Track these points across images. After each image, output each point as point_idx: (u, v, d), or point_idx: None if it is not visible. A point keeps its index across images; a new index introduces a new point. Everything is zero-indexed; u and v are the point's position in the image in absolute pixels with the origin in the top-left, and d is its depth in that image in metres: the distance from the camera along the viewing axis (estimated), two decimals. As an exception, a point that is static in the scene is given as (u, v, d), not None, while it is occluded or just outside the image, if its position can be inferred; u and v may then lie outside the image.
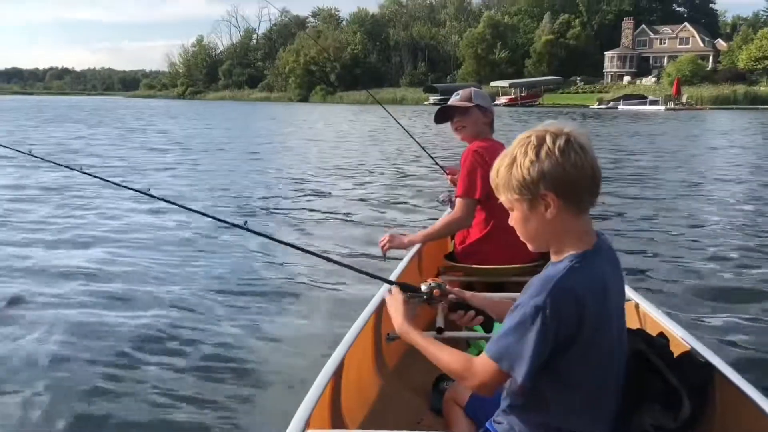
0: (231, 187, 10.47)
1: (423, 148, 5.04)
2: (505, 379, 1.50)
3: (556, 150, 1.42)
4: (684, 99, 53.91)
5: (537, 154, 1.43)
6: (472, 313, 1.89)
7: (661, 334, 1.97)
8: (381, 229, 7.01)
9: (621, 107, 54.20)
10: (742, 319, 4.16)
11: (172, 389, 3.32)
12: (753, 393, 1.75)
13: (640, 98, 56.65)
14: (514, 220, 1.55)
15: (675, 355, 1.89)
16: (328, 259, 2.31)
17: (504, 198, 1.53)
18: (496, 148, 3.05)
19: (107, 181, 2.91)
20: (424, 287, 1.90)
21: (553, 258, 1.54)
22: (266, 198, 9.52)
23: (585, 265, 1.45)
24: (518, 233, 1.57)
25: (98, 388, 3.33)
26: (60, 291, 4.96)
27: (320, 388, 1.87)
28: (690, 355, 1.89)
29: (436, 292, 1.89)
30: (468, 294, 1.94)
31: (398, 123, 5.14)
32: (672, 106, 51.71)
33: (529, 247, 1.58)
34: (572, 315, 1.40)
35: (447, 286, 1.91)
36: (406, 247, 3.27)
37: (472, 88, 3.38)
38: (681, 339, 2.06)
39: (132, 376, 3.50)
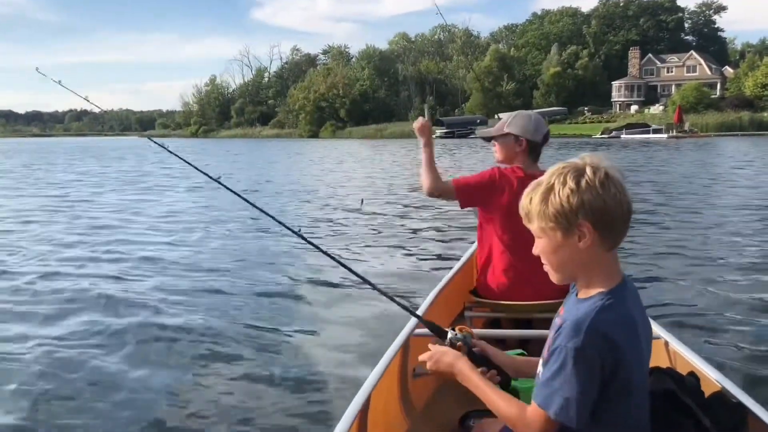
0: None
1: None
2: (557, 428, 1.46)
3: (597, 182, 1.43)
4: (686, 126, 53.56)
5: (577, 184, 1.43)
6: (493, 372, 1.78)
7: (692, 374, 1.96)
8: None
9: (623, 136, 53.90)
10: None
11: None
12: None
13: (643, 127, 56.38)
14: (540, 249, 1.54)
15: (706, 395, 1.89)
16: (362, 278, 2.23)
17: (535, 226, 1.51)
18: (520, 177, 3.04)
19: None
20: (450, 335, 1.84)
21: (581, 293, 1.53)
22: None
23: (615, 302, 1.44)
24: (544, 262, 1.56)
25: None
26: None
27: (347, 424, 1.87)
28: (722, 396, 1.88)
29: (459, 345, 1.81)
30: (491, 350, 1.85)
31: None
32: (674, 133, 51.44)
33: (553, 278, 1.56)
34: (609, 353, 1.40)
35: (473, 339, 1.84)
36: None
37: (517, 113, 3.28)
38: (712, 378, 2.05)
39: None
